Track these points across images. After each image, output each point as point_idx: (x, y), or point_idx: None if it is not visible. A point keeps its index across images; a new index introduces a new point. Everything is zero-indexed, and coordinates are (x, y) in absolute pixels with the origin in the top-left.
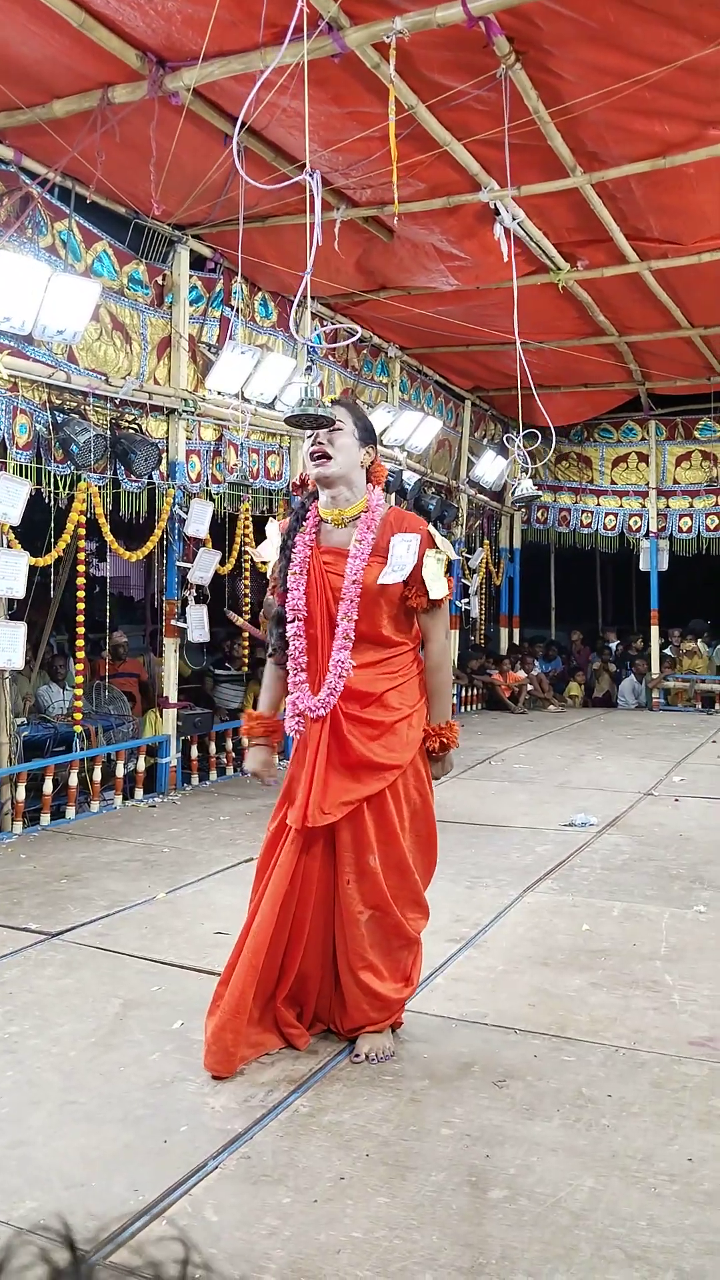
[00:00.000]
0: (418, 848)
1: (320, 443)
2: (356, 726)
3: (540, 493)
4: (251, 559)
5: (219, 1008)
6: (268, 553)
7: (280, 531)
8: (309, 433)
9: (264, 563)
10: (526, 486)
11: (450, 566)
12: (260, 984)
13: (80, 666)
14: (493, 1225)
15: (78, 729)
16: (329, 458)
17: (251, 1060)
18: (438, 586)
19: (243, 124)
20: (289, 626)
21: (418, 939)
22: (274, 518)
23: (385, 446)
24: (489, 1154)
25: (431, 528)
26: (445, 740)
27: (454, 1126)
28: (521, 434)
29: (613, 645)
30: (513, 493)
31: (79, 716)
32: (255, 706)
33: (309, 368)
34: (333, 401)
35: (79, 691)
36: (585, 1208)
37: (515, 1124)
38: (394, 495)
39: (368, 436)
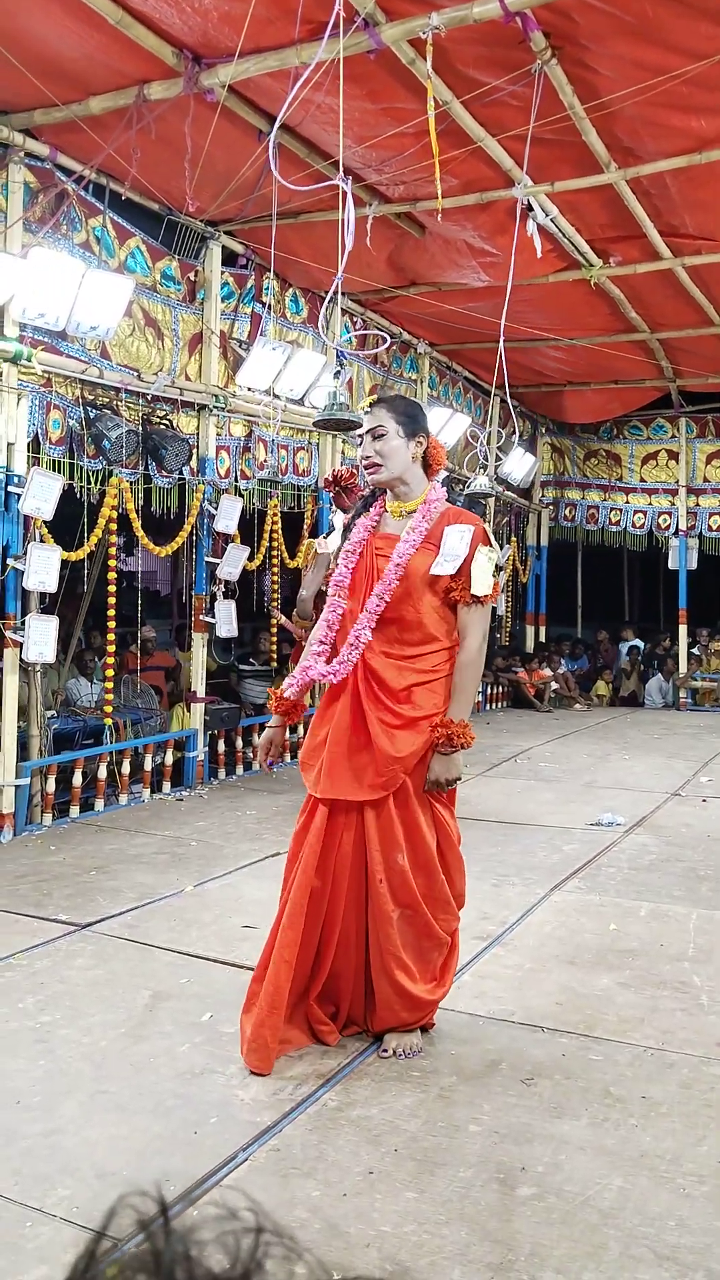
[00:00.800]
0: (445, 848)
1: (368, 455)
2: (380, 713)
3: (493, 492)
4: (280, 556)
5: (255, 1004)
6: (331, 544)
7: (344, 521)
8: (356, 436)
9: (317, 554)
10: (481, 484)
11: (499, 569)
12: (295, 979)
13: (111, 660)
14: (521, 1222)
15: (108, 721)
16: (379, 466)
17: (280, 1055)
18: (483, 582)
19: (279, 123)
20: (328, 599)
21: (449, 940)
22: (325, 512)
23: None
24: (517, 1151)
25: (487, 528)
26: (453, 736)
27: (482, 1123)
28: (489, 429)
29: (624, 646)
30: (466, 487)
31: (110, 710)
32: None
33: (337, 372)
34: (372, 403)
35: (109, 685)
36: (614, 1207)
37: (543, 1122)
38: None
39: (413, 427)
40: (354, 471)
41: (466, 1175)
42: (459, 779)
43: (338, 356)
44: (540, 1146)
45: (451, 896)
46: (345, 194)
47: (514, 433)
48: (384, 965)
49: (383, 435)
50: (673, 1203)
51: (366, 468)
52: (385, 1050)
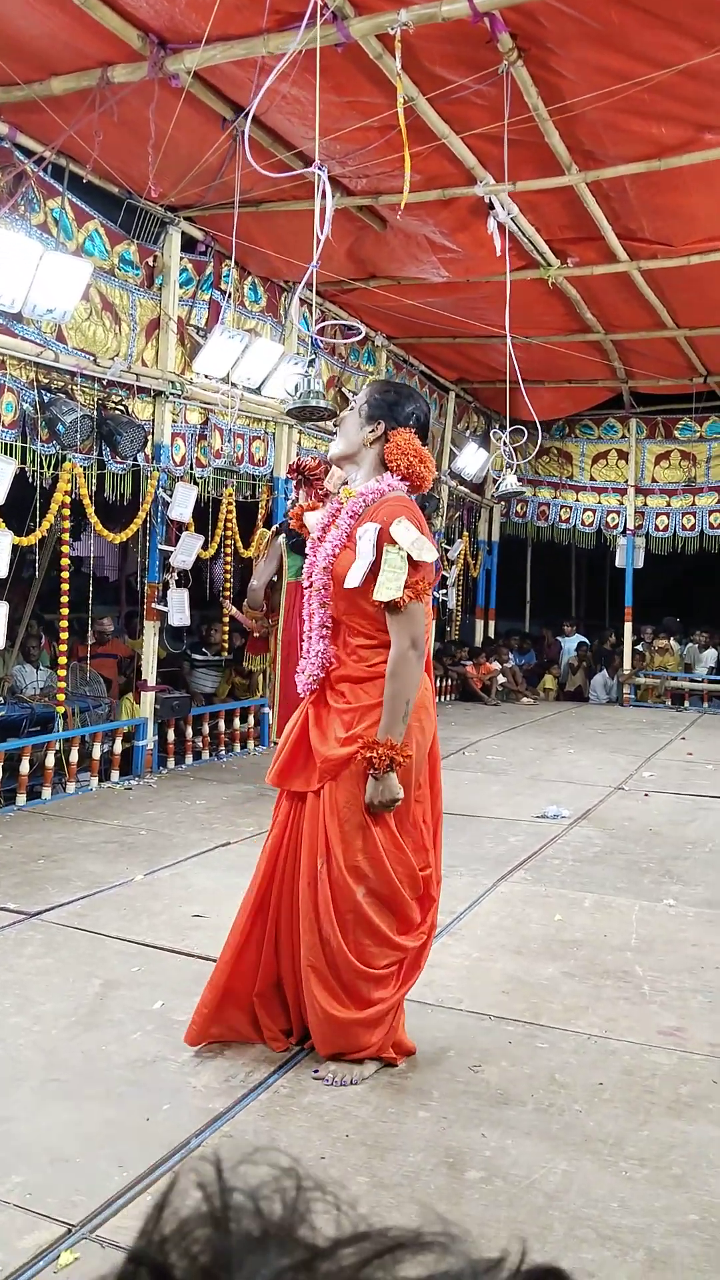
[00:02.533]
0: (376, 873)
1: (335, 426)
2: (318, 709)
3: (524, 489)
4: (234, 545)
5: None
6: (312, 519)
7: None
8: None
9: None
10: (511, 482)
11: (419, 567)
12: (242, 965)
13: (64, 648)
14: (469, 1205)
15: (60, 709)
16: (335, 438)
17: (227, 1040)
18: (384, 588)
19: (247, 114)
20: (306, 592)
21: (376, 973)
22: (262, 506)
23: None
24: (465, 1136)
25: (398, 522)
26: (376, 760)
27: (431, 1109)
28: (509, 429)
29: (570, 641)
30: (497, 488)
31: (61, 698)
32: (231, 694)
33: (311, 360)
34: (369, 382)
35: (62, 673)
36: (559, 1189)
37: (490, 1108)
38: None
39: (375, 412)
40: (319, 462)
41: (416, 1159)
42: (398, 800)
43: (312, 344)
44: (487, 1131)
45: (384, 926)
46: (323, 183)
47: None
48: (304, 975)
49: (350, 409)
50: (615, 1185)
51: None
52: (317, 1071)
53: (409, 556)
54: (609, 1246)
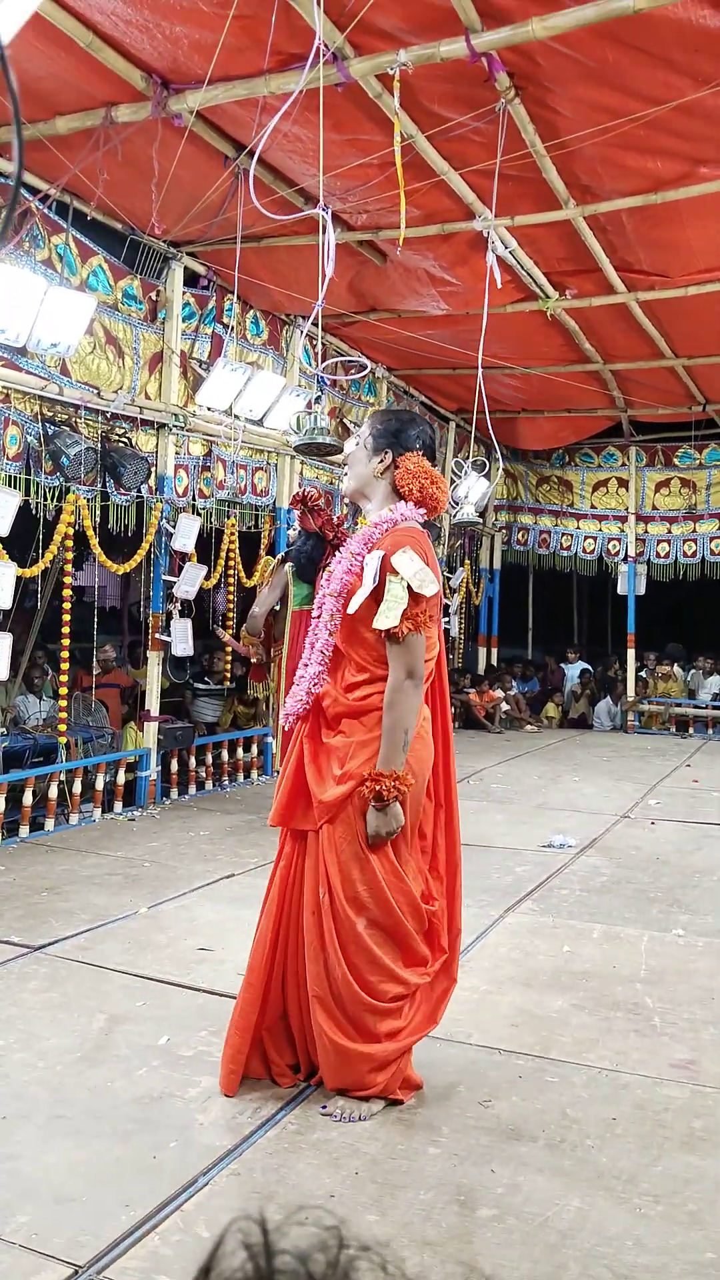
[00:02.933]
0: (374, 903)
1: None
2: (313, 744)
3: (479, 520)
4: (237, 575)
5: (229, 1026)
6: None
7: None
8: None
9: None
10: (468, 512)
11: (417, 598)
12: (264, 1005)
13: (65, 679)
14: (482, 1244)
15: (62, 740)
16: (347, 476)
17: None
18: (384, 616)
19: (251, 152)
20: (325, 609)
21: (383, 1006)
22: (264, 537)
23: None
24: (476, 1173)
25: (401, 553)
26: (384, 792)
27: (441, 1145)
28: (470, 460)
29: (574, 669)
30: (453, 517)
31: (63, 728)
32: (234, 723)
33: (318, 397)
34: (370, 415)
35: (63, 703)
36: (572, 1227)
37: (502, 1144)
38: None
39: (381, 442)
40: (320, 493)
41: (427, 1197)
42: (397, 829)
43: (318, 382)
44: (499, 1168)
45: (385, 958)
46: (325, 222)
47: (480, 462)
48: (310, 1004)
49: (355, 444)
50: (630, 1222)
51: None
52: (325, 1107)
53: (409, 587)
54: None
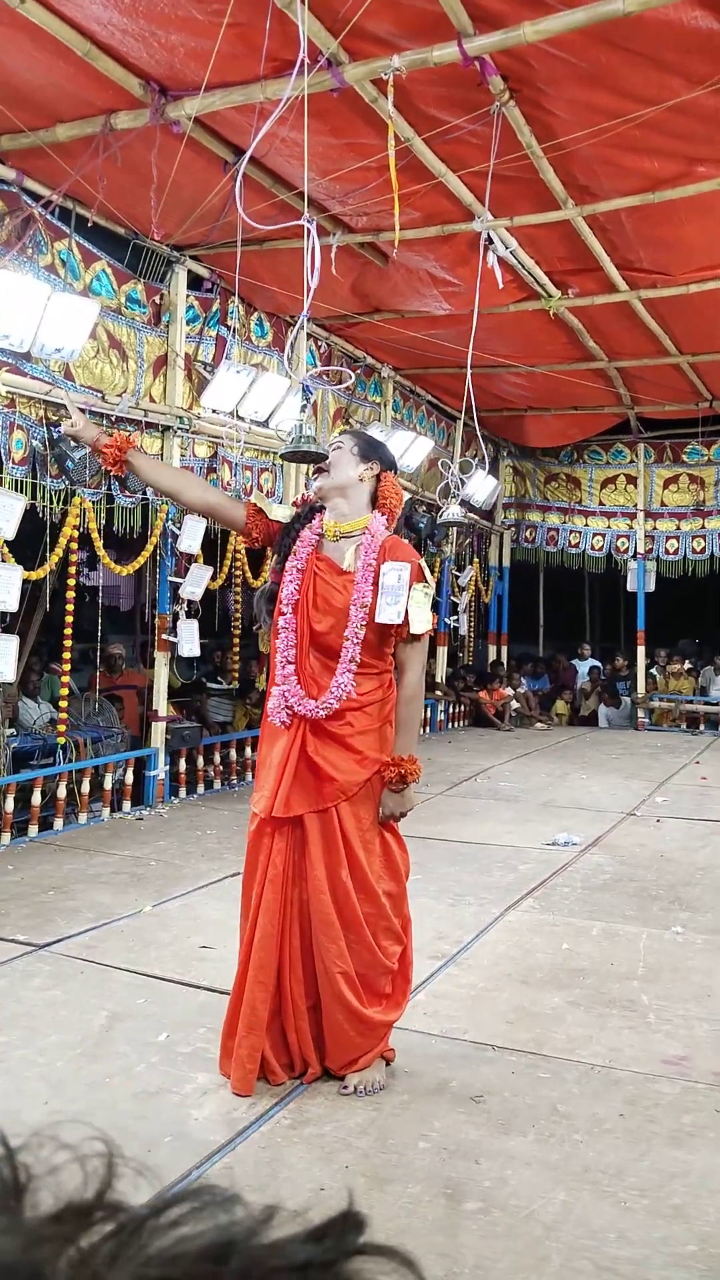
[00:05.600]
0: (390, 875)
1: (322, 463)
2: (318, 736)
3: (465, 519)
4: (243, 575)
5: (237, 1027)
6: (281, 513)
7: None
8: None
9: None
10: (454, 512)
11: (437, 605)
12: (272, 999)
13: (66, 679)
14: (467, 1236)
15: (61, 740)
16: (325, 472)
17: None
18: (421, 620)
19: (244, 160)
20: (281, 619)
21: (394, 967)
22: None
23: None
24: (465, 1167)
25: (422, 562)
26: (405, 772)
27: (431, 1140)
28: (456, 460)
29: (584, 665)
30: (439, 515)
31: (63, 729)
32: (249, 724)
33: (303, 406)
34: (341, 431)
35: (64, 704)
36: (557, 1220)
37: (491, 1138)
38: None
39: (369, 453)
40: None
41: (415, 1191)
42: (411, 808)
43: (303, 390)
44: (487, 1162)
45: (395, 922)
46: (309, 232)
47: (480, 459)
48: (330, 981)
49: (339, 448)
50: (614, 1216)
51: (316, 473)
52: (346, 1087)
53: (430, 592)
54: (606, 1278)
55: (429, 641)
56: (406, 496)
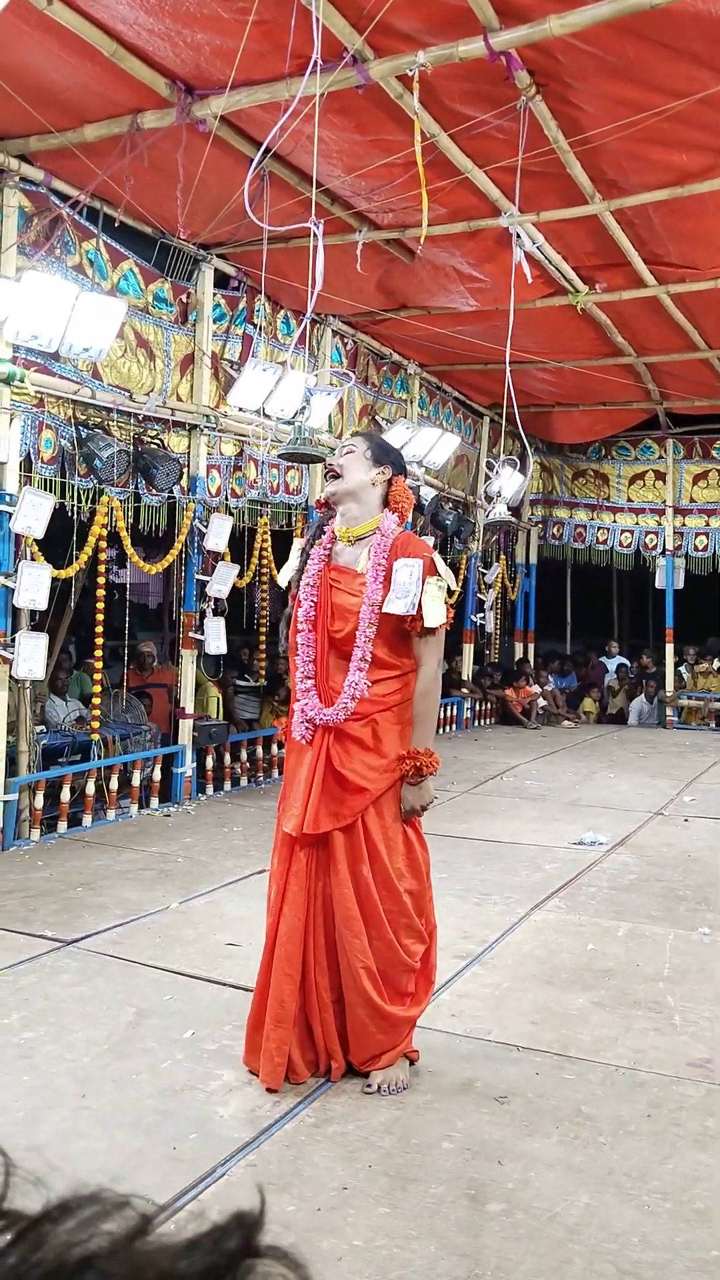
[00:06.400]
0: (411, 873)
1: (331, 464)
2: (342, 744)
3: (512, 519)
4: (269, 573)
5: (265, 1021)
6: (283, 578)
7: (300, 547)
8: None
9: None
10: (500, 511)
11: (451, 593)
12: (298, 992)
13: (98, 676)
14: (489, 1237)
15: (94, 737)
16: (339, 476)
17: (256, 1071)
18: (435, 614)
19: (269, 152)
20: (299, 635)
21: (416, 965)
22: (296, 535)
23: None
24: (488, 1168)
25: (435, 555)
26: (421, 766)
27: (455, 1140)
28: (502, 460)
29: (613, 663)
30: (486, 516)
31: (96, 725)
32: (272, 721)
33: (302, 408)
34: (353, 434)
35: (97, 701)
36: (580, 1223)
37: (515, 1139)
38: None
39: (381, 457)
40: None
41: (438, 1191)
42: (432, 802)
43: (306, 392)
44: (511, 1164)
45: (418, 921)
46: (317, 238)
47: (523, 454)
48: (354, 976)
49: (350, 452)
50: (637, 1219)
51: (328, 476)
52: (370, 1086)
53: (447, 586)
54: None
55: (455, 639)
56: (433, 493)
